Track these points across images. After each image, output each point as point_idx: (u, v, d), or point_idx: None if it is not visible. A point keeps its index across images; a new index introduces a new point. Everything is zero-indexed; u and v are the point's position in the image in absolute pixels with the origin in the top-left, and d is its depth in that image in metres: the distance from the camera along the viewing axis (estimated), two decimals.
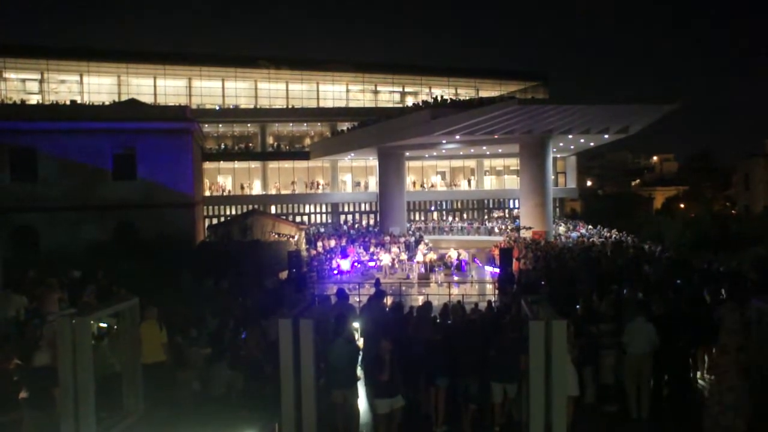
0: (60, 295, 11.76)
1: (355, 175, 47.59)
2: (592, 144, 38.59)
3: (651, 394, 8.40)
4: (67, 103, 35.57)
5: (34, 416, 6.78)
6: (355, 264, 25.70)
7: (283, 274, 18.26)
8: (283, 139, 47.59)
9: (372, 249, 27.99)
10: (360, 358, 8.22)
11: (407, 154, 38.79)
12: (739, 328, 6.67)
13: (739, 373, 6.44)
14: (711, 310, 9.64)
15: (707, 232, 27.57)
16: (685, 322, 8.97)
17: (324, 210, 46.42)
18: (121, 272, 14.39)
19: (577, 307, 9.92)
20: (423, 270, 25.19)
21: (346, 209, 46.37)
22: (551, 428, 5.40)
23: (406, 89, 49.08)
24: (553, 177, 37.00)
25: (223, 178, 45.55)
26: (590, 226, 35.65)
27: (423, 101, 39.48)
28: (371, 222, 44.27)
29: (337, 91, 47.58)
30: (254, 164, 45.79)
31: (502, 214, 46.23)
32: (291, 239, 25.97)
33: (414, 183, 46.16)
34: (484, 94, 44.93)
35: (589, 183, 75.62)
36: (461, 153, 42.72)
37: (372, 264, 25.98)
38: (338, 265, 25.16)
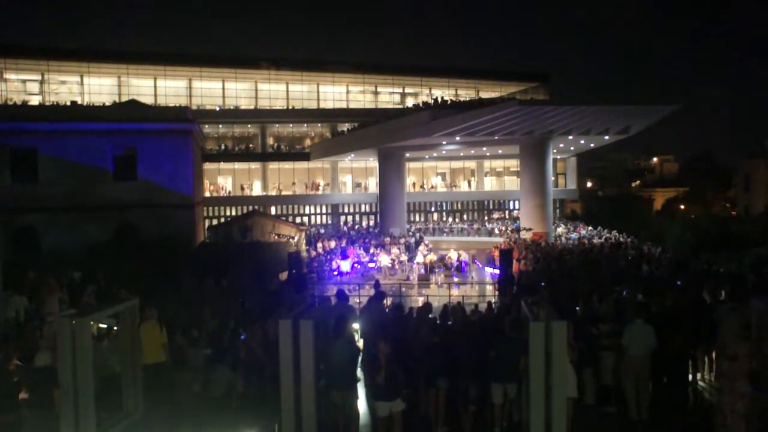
0: (60, 296, 11.80)
1: (356, 176, 47.63)
2: (592, 145, 38.61)
3: (650, 395, 8.40)
4: (68, 103, 35.58)
5: (34, 416, 6.79)
6: (355, 265, 25.71)
7: (283, 275, 18.28)
8: (284, 140, 47.62)
9: (372, 250, 28.00)
10: (360, 359, 8.21)
11: (407, 155, 38.80)
12: (748, 335, 6.65)
13: (748, 380, 6.42)
14: (711, 311, 9.65)
15: (707, 233, 27.60)
16: (685, 324, 8.97)
17: (324, 211, 46.46)
18: (121, 273, 14.38)
19: (577, 308, 9.93)
20: (423, 271, 25.21)
21: (346, 210, 46.41)
22: (551, 429, 5.41)
23: (407, 90, 49.08)
24: (553, 178, 37.01)
25: (223, 179, 45.60)
26: (590, 228, 35.64)
27: (423, 102, 39.55)
28: (371, 223, 44.29)
29: (338, 92, 47.59)
30: (254, 165, 45.84)
31: (502, 215, 46.26)
32: (291, 240, 26.00)
33: (414, 184, 46.20)
34: (484, 95, 44.89)
35: (589, 184, 75.56)
36: (461, 154, 42.76)
37: (372, 265, 25.99)
38: (338, 266, 25.19)
